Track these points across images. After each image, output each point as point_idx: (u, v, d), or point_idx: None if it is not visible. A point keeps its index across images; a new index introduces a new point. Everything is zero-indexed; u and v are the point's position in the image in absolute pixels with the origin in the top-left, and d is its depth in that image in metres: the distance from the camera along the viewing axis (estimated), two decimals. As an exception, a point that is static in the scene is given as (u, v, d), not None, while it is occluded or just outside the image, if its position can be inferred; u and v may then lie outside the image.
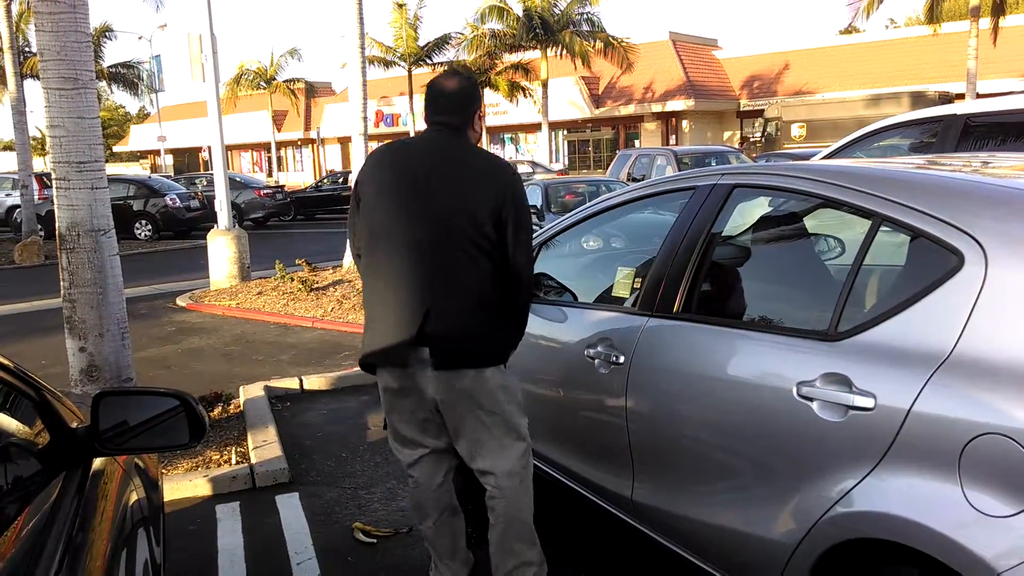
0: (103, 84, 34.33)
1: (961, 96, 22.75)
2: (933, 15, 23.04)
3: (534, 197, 12.58)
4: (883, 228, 2.25)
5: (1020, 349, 1.81)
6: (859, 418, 2.05)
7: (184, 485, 4.37)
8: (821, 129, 24.72)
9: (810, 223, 3.12)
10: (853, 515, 2.06)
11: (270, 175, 46.30)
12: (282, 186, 28.91)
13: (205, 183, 23.74)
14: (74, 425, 2.03)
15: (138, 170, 49.65)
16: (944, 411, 1.89)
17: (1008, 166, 2.62)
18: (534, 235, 3.99)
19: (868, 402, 2.03)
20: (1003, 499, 1.76)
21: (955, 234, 2.01)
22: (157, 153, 47.52)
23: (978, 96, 22.06)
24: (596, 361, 3.06)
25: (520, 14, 29.86)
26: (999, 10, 21.92)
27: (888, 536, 1.97)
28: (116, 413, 1.96)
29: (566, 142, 39.27)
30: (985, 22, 22.45)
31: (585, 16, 30.04)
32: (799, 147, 23.26)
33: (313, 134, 45.24)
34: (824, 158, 5.34)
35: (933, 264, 2.06)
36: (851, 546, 2.09)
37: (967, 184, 2.30)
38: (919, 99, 22.99)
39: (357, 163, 11.05)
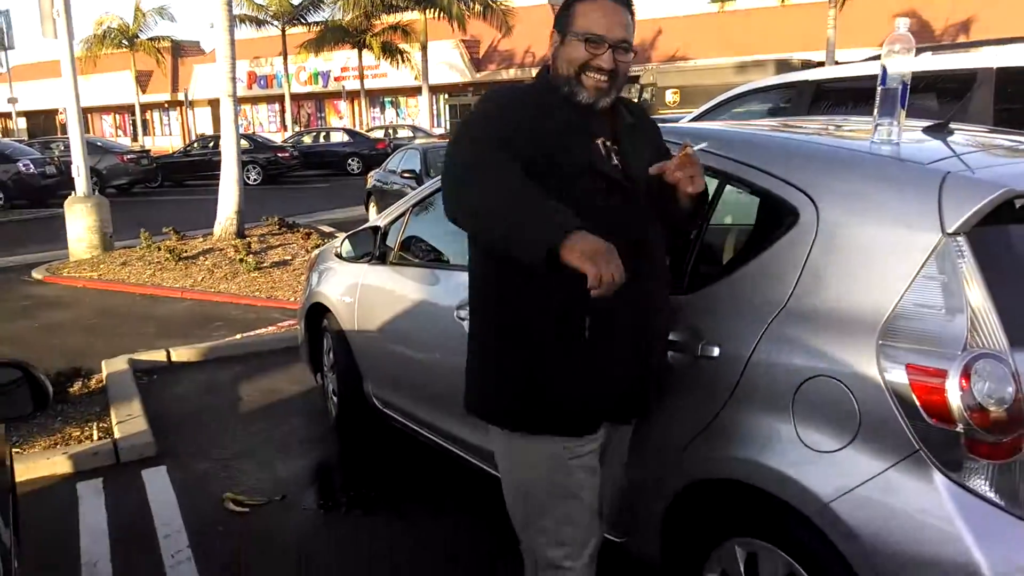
0: (-57, 40, 31.61)
1: (822, 64, 23.91)
2: None
3: (412, 162, 12.47)
4: (733, 188, 2.37)
5: (844, 297, 1.96)
6: (707, 367, 2.16)
7: (41, 464, 4.16)
8: (693, 95, 25.32)
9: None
10: (699, 458, 2.18)
11: (135, 139, 43.92)
12: (148, 151, 27.46)
13: (62, 148, 22.27)
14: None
15: (-13, 134, 46.16)
16: (779, 358, 2.02)
17: (855, 129, 2.78)
18: (409, 199, 3.97)
19: (714, 351, 2.15)
20: (830, 436, 1.91)
21: (791, 191, 2.13)
22: (8, 116, 44.27)
23: (836, 64, 23.25)
24: (465, 323, 3.08)
25: (397, -26, 29.27)
26: None
27: (731, 476, 2.10)
28: (-49, 387, 1.86)
29: (447, 106, 38.97)
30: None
31: (464, -22, 29.72)
32: (673, 112, 23.89)
33: (181, 96, 43.15)
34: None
35: (772, 220, 2.18)
36: (698, 490, 2.22)
37: (805, 145, 2.44)
38: (783, 66, 23.94)
39: (226, 127, 10.63)
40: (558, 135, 1.97)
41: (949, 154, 2.19)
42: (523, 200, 1.78)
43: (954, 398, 1.73)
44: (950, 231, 1.84)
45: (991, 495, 1.73)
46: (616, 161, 2.02)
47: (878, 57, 2.33)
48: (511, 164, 1.84)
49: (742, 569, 2.14)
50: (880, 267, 1.92)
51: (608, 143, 2.04)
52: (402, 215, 3.90)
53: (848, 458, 1.87)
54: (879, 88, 2.25)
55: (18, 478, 3.19)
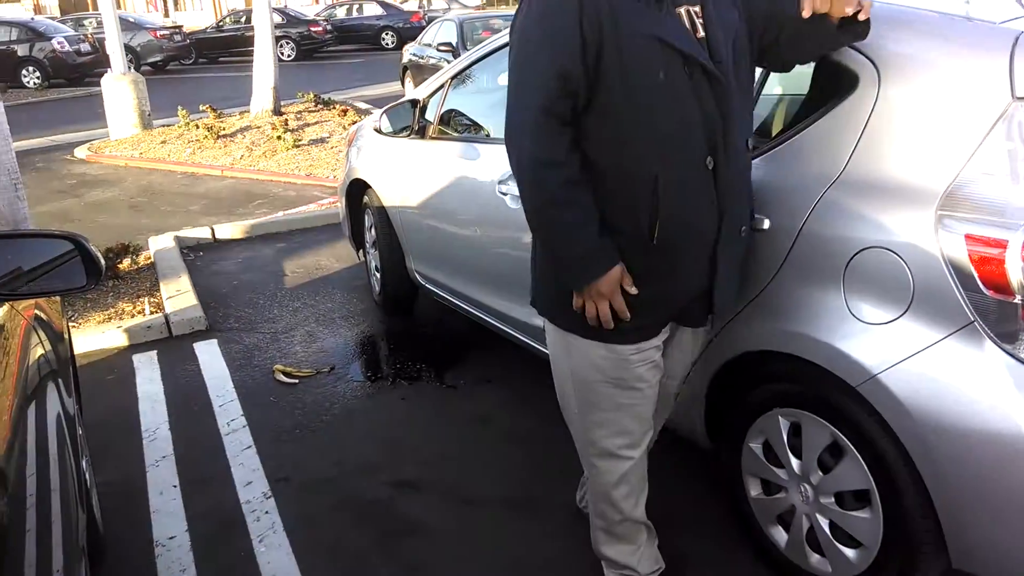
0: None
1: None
2: None
3: (448, 34, 12.14)
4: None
5: (903, 166, 1.88)
6: (757, 239, 2.12)
7: (97, 337, 4.31)
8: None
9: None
10: (746, 330, 2.17)
11: (167, 15, 43.18)
12: (180, 27, 27.02)
13: (95, 24, 22.02)
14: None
15: (19, 11, 45.66)
16: (831, 230, 1.97)
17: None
18: (447, 70, 3.87)
19: (764, 223, 2.10)
20: (882, 308, 1.88)
21: (850, 54, 2.02)
22: (39, -8, 43.61)
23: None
24: (508, 197, 3.06)
25: None
26: None
27: (779, 348, 2.10)
28: (8, 259, 1.89)
29: (482, -24, 37.49)
30: None
31: None
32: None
33: (210, -31, 42.02)
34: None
35: (829, 86, 2.08)
36: (745, 361, 2.22)
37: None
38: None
39: (258, 1, 10.36)
40: (632, 11, 1.72)
41: (1023, 13, 2.06)
42: (571, 229, 1.81)
43: (1014, 269, 1.68)
44: (1021, 95, 1.75)
45: (1047, 368, 1.71)
46: (703, 32, 1.79)
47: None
48: (572, 163, 1.80)
49: (785, 438, 2.16)
50: (943, 134, 1.84)
51: (693, 10, 1.80)
52: (441, 88, 3.81)
53: (899, 330, 1.84)
54: (952, -60, 2.10)
55: (75, 351, 3.30)
